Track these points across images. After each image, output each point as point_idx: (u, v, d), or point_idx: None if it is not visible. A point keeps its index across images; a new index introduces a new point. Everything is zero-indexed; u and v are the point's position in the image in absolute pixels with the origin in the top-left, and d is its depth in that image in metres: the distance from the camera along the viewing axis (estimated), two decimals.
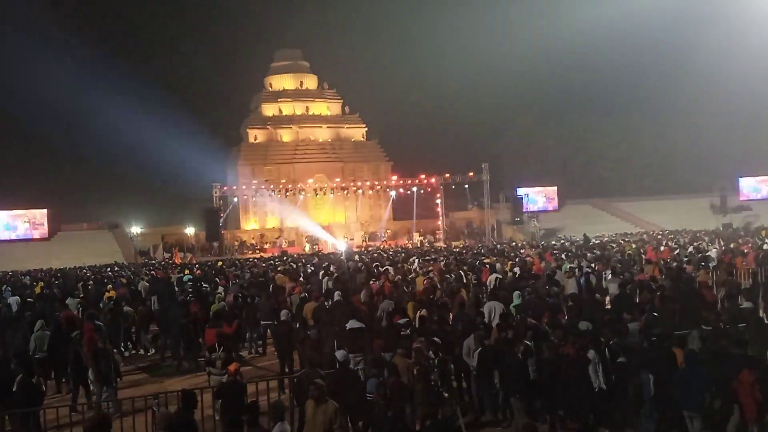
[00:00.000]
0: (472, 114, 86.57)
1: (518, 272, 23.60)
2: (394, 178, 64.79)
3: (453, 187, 61.97)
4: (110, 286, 26.69)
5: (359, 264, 32.01)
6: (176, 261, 50.74)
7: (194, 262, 48.39)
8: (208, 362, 14.11)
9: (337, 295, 19.69)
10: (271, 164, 66.77)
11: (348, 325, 14.71)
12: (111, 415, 10.72)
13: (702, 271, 21.53)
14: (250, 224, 66.15)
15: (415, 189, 61.88)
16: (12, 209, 57.88)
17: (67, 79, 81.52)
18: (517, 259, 29.66)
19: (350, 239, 60.32)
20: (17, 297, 23.73)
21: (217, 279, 28.27)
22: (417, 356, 11.79)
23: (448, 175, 61.24)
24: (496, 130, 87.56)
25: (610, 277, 20.75)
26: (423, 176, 61.74)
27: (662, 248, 32.74)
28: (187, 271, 32.98)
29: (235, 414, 10.23)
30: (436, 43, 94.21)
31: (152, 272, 34.49)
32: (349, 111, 73.03)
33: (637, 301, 17.08)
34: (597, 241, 42.23)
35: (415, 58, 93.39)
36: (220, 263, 39.85)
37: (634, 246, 33.85)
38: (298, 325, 15.98)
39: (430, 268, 27.04)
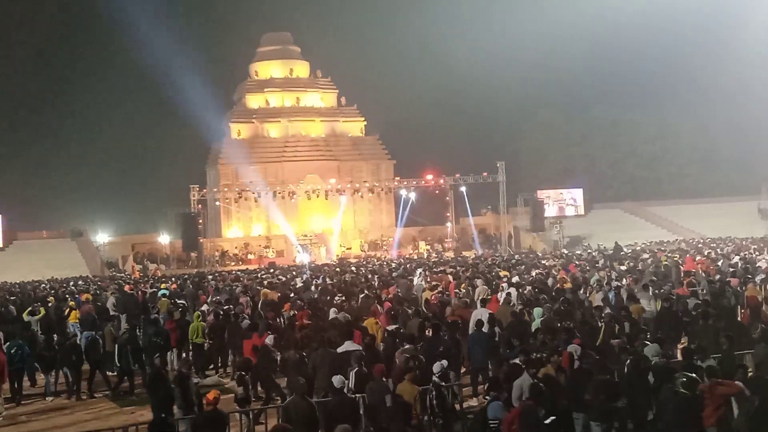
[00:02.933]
0: (486, 106, 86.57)
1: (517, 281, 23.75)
2: (397, 178, 64.73)
3: (464, 189, 61.87)
4: (72, 302, 26.61)
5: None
6: (134, 274, 50.56)
7: (158, 274, 48.23)
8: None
9: (332, 313, 19.66)
10: (256, 163, 66.65)
11: (342, 348, 14.65)
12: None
13: (750, 285, 21.44)
14: (232, 232, 66.09)
15: (433, 192, 61.82)
16: None
17: (23, 67, 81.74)
18: (534, 272, 29.63)
19: (347, 248, 60.27)
20: None
21: (199, 293, 28.35)
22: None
23: (458, 175, 61.17)
24: (513, 125, 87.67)
25: (645, 291, 20.68)
26: (430, 177, 61.68)
27: (699, 257, 32.71)
28: (162, 285, 32.94)
29: None
30: (444, 26, 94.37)
31: (123, 287, 34.43)
32: (346, 102, 73.03)
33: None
34: (629, 251, 42.22)
35: (420, 42, 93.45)
36: (210, 276, 39.68)
37: (675, 257, 33.70)
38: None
39: (436, 282, 26.95)
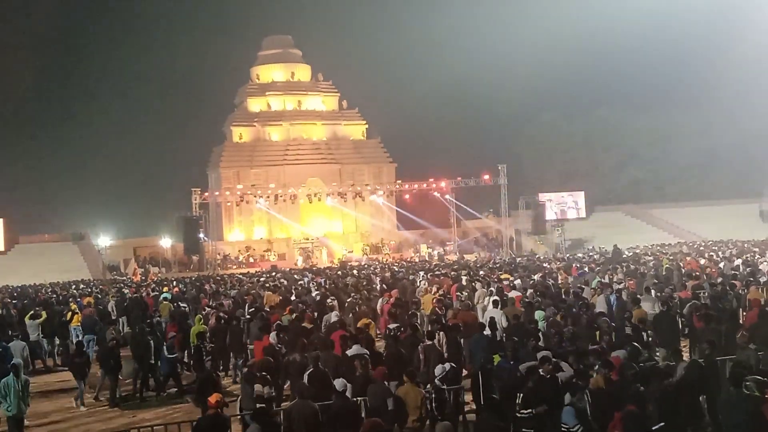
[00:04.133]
0: (487, 109, 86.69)
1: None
2: (399, 182, 64.74)
3: (466, 192, 61.88)
4: (74, 306, 26.63)
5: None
6: (134, 278, 50.46)
7: (154, 278, 48.12)
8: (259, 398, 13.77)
9: (334, 316, 19.66)
10: (258, 166, 66.77)
11: (351, 352, 14.64)
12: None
13: (752, 287, 21.38)
14: (234, 235, 66.10)
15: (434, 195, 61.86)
16: None
17: (24, 72, 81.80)
18: (536, 276, 29.57)
19: (349, 252, 60.28)
20: None
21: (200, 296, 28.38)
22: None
23: (460, 178, 61.19)
24: (515, 127, 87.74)
25: (648, 294, 20.61)
26: (432, 180, 61.70)
27: (702, 261, 32.68)
28: (165, 289, 32.95)
29: None
30: (446, 29, 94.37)
31: (122, 290, 34.50)
32: (347, 106, 73.07)
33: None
34: (630, 254, 42.21)
35: (422, 45, 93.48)
36: (211, 280, 39.61)
37: (687, 259, 33.67)
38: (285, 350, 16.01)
39: (437, 285, 26.90)
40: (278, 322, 18.73)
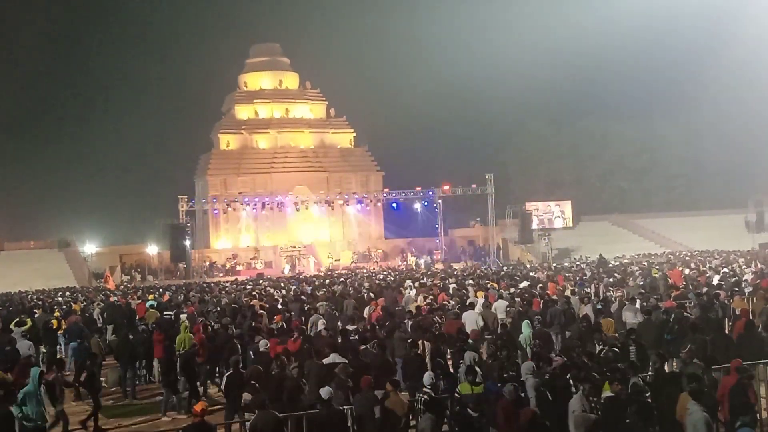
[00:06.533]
0: (475, 118, 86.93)
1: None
2: (386, 190, 64.77)
3: (453, 200, 61.98)
4: (58, 313, 26.51)
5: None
6: (110, 286, 49.28)
7: (137, 285, 47.48)
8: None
9: (320, 324, 19.66)
10: (245, 174, 66.66)
11: (328, 360, 14.61)
12: None
13: (737, 297, 21.48)
14: (221, 243, 65.93)
15: (418, 205, 61.85)
16: None
17: (8, 79, 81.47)
18: (522, 285, 29.62)
19: (336, 260, 60.20)
20: None
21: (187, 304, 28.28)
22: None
23: (447, 187, 61.29)
24: (502, 137, 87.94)
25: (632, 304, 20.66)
26: (419, 188, 61.79)
27: (687, 270, 32.84)
28: (150, 296, 32.80)
29: None
30: (434, 38, 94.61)
31: (108, 297, 34.33)
32: (335, 114, 73.06)
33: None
34: (616, 263, 42.35)
35: (410, 54, 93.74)
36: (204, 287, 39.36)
37: (678, 268, 33.80)
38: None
39: (426, 294, 26.91)
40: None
